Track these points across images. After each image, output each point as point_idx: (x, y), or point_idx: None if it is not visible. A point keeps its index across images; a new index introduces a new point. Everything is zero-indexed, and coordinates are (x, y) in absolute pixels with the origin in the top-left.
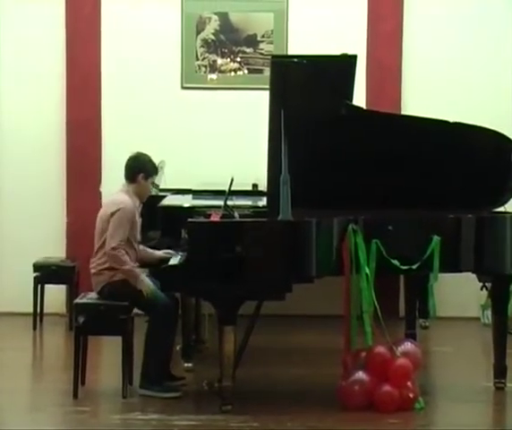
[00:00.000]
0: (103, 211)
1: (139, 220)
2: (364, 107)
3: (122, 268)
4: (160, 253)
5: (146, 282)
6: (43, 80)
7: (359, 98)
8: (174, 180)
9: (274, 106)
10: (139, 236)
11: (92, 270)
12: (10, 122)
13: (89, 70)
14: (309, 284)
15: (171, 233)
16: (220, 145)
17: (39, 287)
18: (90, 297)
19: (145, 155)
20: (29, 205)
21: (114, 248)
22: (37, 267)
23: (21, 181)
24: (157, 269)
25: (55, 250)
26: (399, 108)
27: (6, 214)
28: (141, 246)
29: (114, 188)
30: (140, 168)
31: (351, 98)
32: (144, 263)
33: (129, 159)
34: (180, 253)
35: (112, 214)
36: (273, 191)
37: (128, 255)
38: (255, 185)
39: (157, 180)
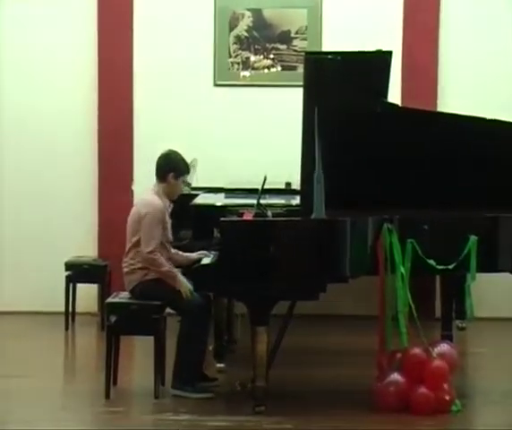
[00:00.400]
0: (134, 211)
1: (169, 221)
2: (399, 103)
3: (160, 270)
4: (194, 255)
5: (184, 283)
6: (75, 80)
7: (394, 96)
8: (206, 178)
9: (308, 103)
10: (170, 236)
11: (124, 270)
12: (42, 123)
13: (122, 68)
14: (343, 284)
15: (203, 232)
16: (253, 143)
17: (71, 286)
18: (122, 297)
19: (176, 153)
20: (60, 204)
21: (150, 252)
22: (68, 266)
23: (53, 180)
24: (189, 268)
25: (87, 249)
26: (435, 105)
27: (38, 213)
28: (174, 250)
29: (146, 186)
30: (170, 167)
31: (386, 96)
32: (178, 266)
33: (160, 158)
34: (212, 253)
35: (143, 216)
36: (306, 189)
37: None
38: (288, 184)
39: (189, 178)
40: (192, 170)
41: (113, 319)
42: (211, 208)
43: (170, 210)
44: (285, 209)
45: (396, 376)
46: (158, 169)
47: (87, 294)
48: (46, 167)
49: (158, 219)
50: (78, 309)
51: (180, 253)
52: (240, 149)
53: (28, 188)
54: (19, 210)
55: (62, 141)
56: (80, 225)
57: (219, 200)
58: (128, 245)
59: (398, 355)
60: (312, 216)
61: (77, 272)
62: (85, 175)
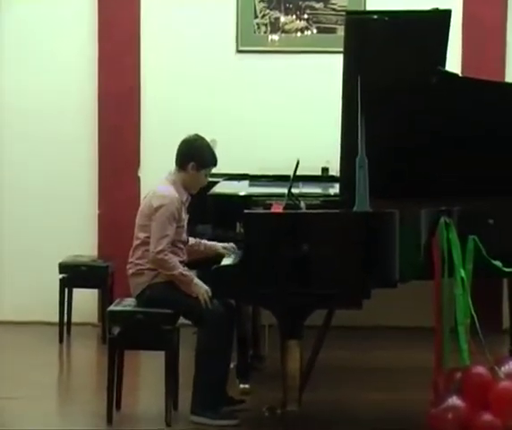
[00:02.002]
0: (145, 203)
1: (185, 217)
2: (460, 73)
3: (172, 273)
4: (219, 246)
5: (202, 287)
6: (69, 44)
7: (453, 63)
8: (227, 163)
9: (349, 73)
10: (185, 236)
11: (130, 271)
12: (32, 96)
13: (126, 31)
14: (391, 290)
15: (223, 227)
16: (283, 121)
17: (66, 291)
18: (127, 304)
19: (202, 140)
20: (53, 194)
21: (159, 252)
22: (63, 267)
23: (44, 165)
24: (207, 270)
25: (85, 247)
26: (503, 75)
27: (27, 205)
28: (194, 239)
29: (155, 173)
30: (192, 155)
31: (443, 63)
32: (196, 260)
33: (182, 143)
34: (238, 251)
35: (155, 209)
36: (347, 176)
37: None
38: (325, 169)
39: None
40: None
41: (116, 330)
42: (233, 198)
43: (187, 204)
44: (321, 199)
45: (454, 400)
46: (178, 155)
47: (85, 301)
48: (35, 149)
49: (173, 215)
50: (74, 319)
51: (203, 241)
52: (267, 128)
53: (15, 178)
54: (9, 205)
55: (60, 123)
56: (76, 219)
57: (243, 189)
58: (135, 243)
59: (458, 374)
60: (354, 208)
61: (73, 275)
62: (82, 159)
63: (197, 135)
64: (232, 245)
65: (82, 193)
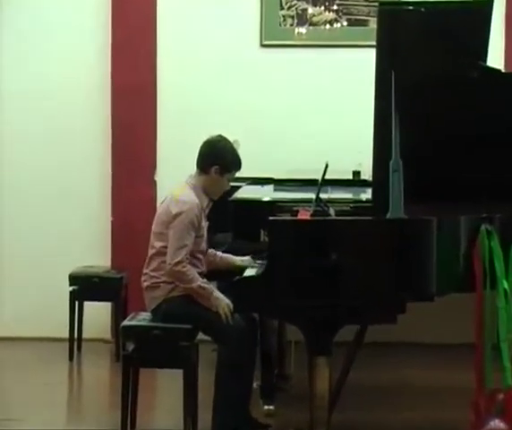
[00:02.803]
0: (163, 209)
1: (205, 225)
2: (503, 68)
3: (191, 286)
4: (238, 259)
5: (222, 301)
6: (81, 32)
7: (495, 58)
8: (250, 166)
9: (382, 68)
10: (205, 246)
11: (144, 284)
12: (38, 92)
13: (142, 19)
14: (428, 303)
15: (246, 236)
16: (311, 120)
17: (77, 304)
18: (143, 318)
19: (226, 142)
20: (62, 199)
21: (177, 263)
22: (74, 279)
23: (51, 167)
24: (228, 282)
25: (98, 257)
26: None
27: (34, 211)
28: (211, 250)
29: (172, 176)
30: (215, 158)
31: (485, 58)
32: (217, 272)
33: (204, 144)
34: (258, 262)
35: (173, 217)
36: (380, 180)
37: None
38: (357, 173)
39: None
40: None
41: (130, 347)
42: (257, 204)
43: (208, 210)
44: (352, 205)
45: (496, 423)
46: (200, 158)
47: (97, 315)
48: (42, 149)
49: (192, 223)
50: (86, 334)
51: (219, 253)
52: (294, 128)
53: (22, 179)
54: (11, 208)
55: (67, 119)
56: (88, 227)
57: (267, 194)
58: (150, 252)
59: (500, 395)
60: (388, 215)
61: (84, 287)
62: (94, 162)
63: (221, 136)
64: (249, 258)
65: (94, 198)
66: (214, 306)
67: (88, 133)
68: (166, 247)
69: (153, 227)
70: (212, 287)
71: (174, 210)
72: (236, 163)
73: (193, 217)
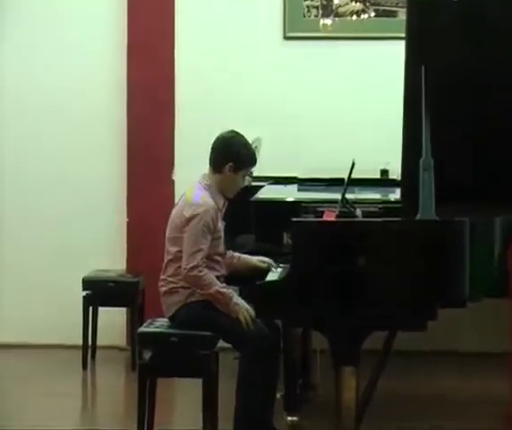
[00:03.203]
0: (176, 213)
1: (222, 227)
2: None
3: (209, 292)
4: (255, 259)
5: (243, 306)
6: (96, 29)
7: None
8: (272, 164)
9: (411, 62)
10: (223, 248)
11: (162, 289)
12: (51, 96)
13: (159, 14)
14: (459, 309)
15: (268, 239)
16: (336, 116)
17: (91, 310)
18: (160, 325)
19: (239, 137)
20: (75, 199)
21: (192, 268)
22: (87, 283)
23: (64, 167)
24: (249, 286)
25: (113, 260)
26: None
27: (45, 212)
28: (229, 252)
29: (191, 175)
30: (229, 156)
31: None
32: (236, 277)
33: (216, 141)
34: (281, 266)
35: (187, 219)
36: (410, 179)
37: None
38: (385, 172)
39: None
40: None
41: (147, 355)
42: (280, 205)
43: (224, 210)
44: (380, 206)
45: None
46: (213, 156)
47: (112, 321)
48: (56, 148)
49: (208, 226)
50: (100, 341)
51: (236, 254)
52: (319, 124)
53: (34, 177)
54: (22, 208)
55: (82, 117)
56: (102, 228)
57: (291, 193)
58: (167, 258)
59: None
60: (418, 216)
61: (98, 292)
62: (109, 161)
63: (233, 131)
64: (269, 259)
65: (109, 198)
66: (234, 312)
67: (103, 131)
68: (181, 252)
69: (167, 232)
70: (232, 291)
71: (188, 214)
72: (251, 159)
73: (209, 219)
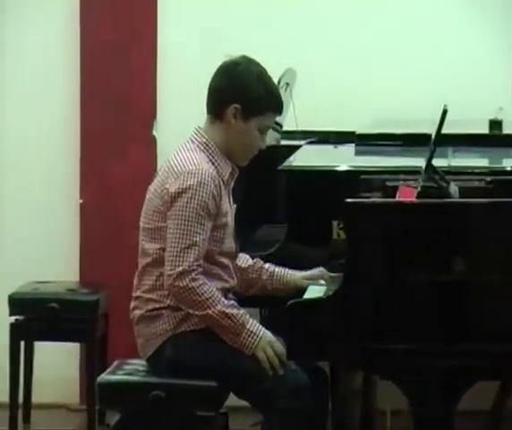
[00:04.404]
0: (157, 186)
1: (232, 209)
2: None
3: (206, 312)
4: (300, 275)
5: (264, 336)
6: None
7: None
8: (315, 114)
9: None
10: (232, 244)
11: (137, 312)
12: None
13: None
14: None
15: (308, 231)
16: (415, 41)
17: (23, 347)
18: (134, 370)
19: (250, 64)
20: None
21: (182, 274)
22: (15, 304)
23: None
24: (276, 307)
25: (58, 265)
26: None
27: None
28: (257, 259)
29: (179, 133)
30: (232, 93)
31: None
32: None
33: (216, 73)
34: (331, 276)
35: (174, 197)
36: None
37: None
38: (496, 123)
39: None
40: (285, 94)
41: (113, 419)
42: (326, 176)
43: (233, 184)
44: (489, 179)
45: None
46: (211, 96)
47: (57, 364)
48: None
49: (205, 206)
50: (38, 397)
51: (268, 266)
52: (386, 54)
53: None
54: None
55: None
56: (41, 214)
57: (344, 159)
58: (142, 263)
59: None
60: None
61: (35, 318)
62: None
63: (243, 57)
64: (320, 270)
65: (52, 169)
66: (250, 348)
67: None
68: (164, 250)
69: (142, 219)
70: (244, 313)
71: (174, 187)
72: (271, 99)
73: (206, 196)
